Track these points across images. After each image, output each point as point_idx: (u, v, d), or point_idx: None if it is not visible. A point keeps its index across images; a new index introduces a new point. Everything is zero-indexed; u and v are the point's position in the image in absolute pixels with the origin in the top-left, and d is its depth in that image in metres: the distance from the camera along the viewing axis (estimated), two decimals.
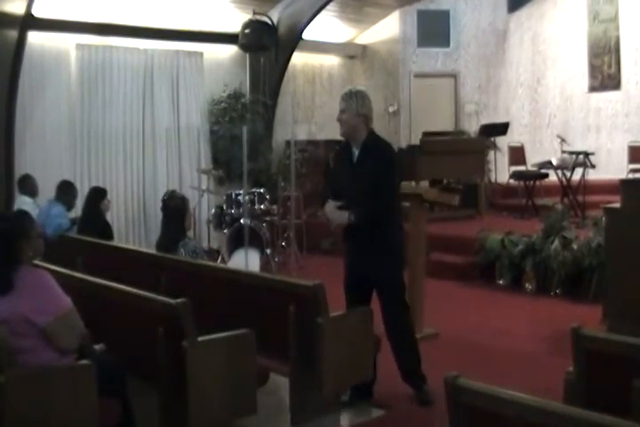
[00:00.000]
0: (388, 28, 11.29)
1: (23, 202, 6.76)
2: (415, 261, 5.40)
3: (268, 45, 9.69)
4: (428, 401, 4.05)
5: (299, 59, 10.69)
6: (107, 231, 6.20)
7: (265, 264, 7.67)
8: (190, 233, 5.73)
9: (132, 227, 8.96)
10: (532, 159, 10.11)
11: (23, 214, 3.13)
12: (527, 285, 6.83)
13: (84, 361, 2.81)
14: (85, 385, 2.72)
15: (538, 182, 9.37)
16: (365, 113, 4.05)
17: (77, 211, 6.64)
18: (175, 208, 4.84)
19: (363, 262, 4.14)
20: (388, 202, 4.09)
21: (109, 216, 6.96)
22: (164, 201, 5.01)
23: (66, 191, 6.50)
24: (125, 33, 8.79)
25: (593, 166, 8.56)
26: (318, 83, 11.33)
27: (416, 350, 4.26)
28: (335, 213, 4.07)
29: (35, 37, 7.97)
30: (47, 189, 6.91)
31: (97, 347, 3.21)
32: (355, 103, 4.03)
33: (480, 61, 11.49)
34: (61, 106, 8.42)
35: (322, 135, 11.08)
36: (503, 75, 11.71)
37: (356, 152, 4.13)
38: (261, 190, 8.46)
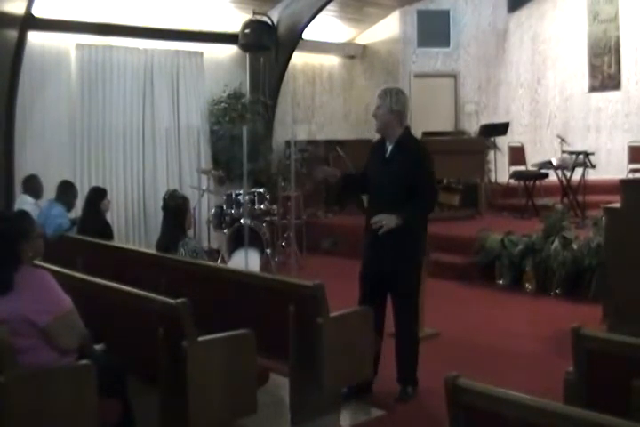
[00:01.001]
0: (388, 28, 11.29)
1: (24, 202, 6.76)
2: None
3: (268, 45, 9.69)
4: (405, 400, 4.14)
5: (299, 59, 10.69)
6: (107, 231, 6.20)
7: (265, 264, 7.67)
8: (190, 233, 5.72)
9: (132, 227, 8.95)
10: (532, 159, 10.11)
11: (23, 215, 3.13)
12: (527, 285, 6.83)
13: (84, 361, 2.81)
14: (85, 385, 2.73)
15: (538, 182, 9.37)
16: (399, 109, 4.14)
17: (77, 211, 6.64)
18: (176, 208, 4.84)
19: (381, 259, 4.19)
20: (432, 200, 4.26)
21: (109, 216, 6.97)
22: (164, 200, 5.01)
23: (66, 191, 6.50)
24: (125, 33, 8.79)
25: (593, 166, 8.56)
26: (318, 83, 11.33)
27: (415, 358, 4.29)
28: (383, 216, 4.06)
29: (35, 37, 7.97)
30: (47, 189, 6.91)
31: (97, 347, 3.21)
32: (389, 100, 4.12)
33: (480, 61, 11.49)
34: (61, 106, 8.42)
35: (322, 135, 11.09)
36: (503, 75, 11.71)
37: (389, 148, 4.21)
38: (261, 190, 8.46)
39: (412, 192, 4.07)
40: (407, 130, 4.24)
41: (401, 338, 4.24)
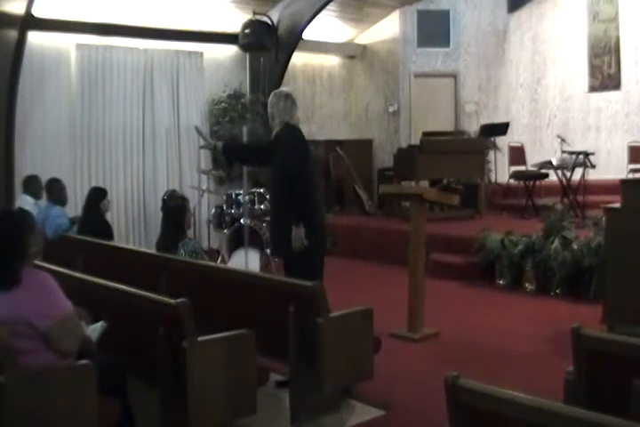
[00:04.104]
0: (388, 28, 11.30)
1: (25, 202, 6.76)
2: (415, 261, 5.41)
3: (268, 45, 9.69)
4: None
5: (299, 59, 10.69)
6: (107, 231, 6.20)
7: (265, 264, 7.67)
8: (190, 233, 5.72)
9: (132, 227, 8.96)
10: (532, 159, 10.11)
11: (24, 210, 3.14)
12: (527, 285, 6.83)
13: (84, 361, 2.81)
14: (85, 385, 2.72)
15: (538, 182, 9.36)
16: (270, 111, 4.67)
17: (77, 210, 6.64)
18: (175, 208, 4.85)
19: (276, 249, 4.62)
20: (298, 191, 4.41)
21: (109, 216, 6.97)
22: (163, 201, 5.02)
23: (52, 189, 6.51)
24: (125, 33, 8.79)
25: (593, 166, 8.56)
26: (318, 83, 11.33)
27: None
28: (294, 241, 4.41)
29: (35, 37, 7.98)
30: None
31: (98, 325, 3.20)
32: (269, 104, 4.69)
33: (480, 61, 11.49)
34: (61, 106, 8.43)
35: (322, 135, 11.09)
36: (503, 75, 11.71)
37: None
38: (261, 190, 8.46)
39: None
40: (285, 126, 4.60)
41: None
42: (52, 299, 2.85)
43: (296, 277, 4.09)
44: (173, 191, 5.37)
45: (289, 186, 4.40)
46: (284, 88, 5.11)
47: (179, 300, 3.07)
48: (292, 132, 4.62)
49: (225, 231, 8.16)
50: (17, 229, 2.87)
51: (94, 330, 3.16)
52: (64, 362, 2.87)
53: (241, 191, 7.85)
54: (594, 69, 11.01)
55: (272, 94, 4.71)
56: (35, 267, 3.04)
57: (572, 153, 8.76)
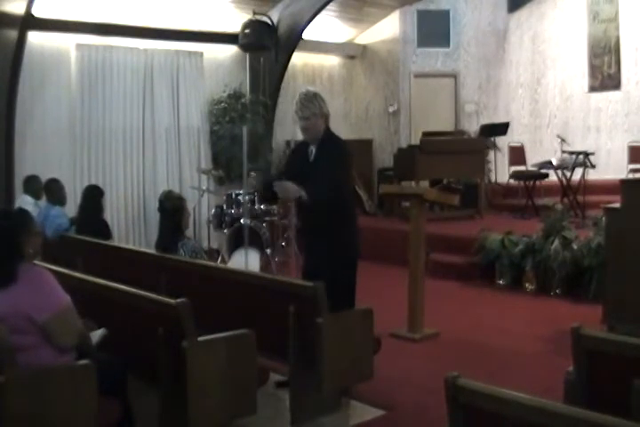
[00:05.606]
0: (388, 28, 11.29)
1: (25, 201, 6.75)
2: (415, 261, 5.41)
3: (268, 45, 9.68)
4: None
5: (299, 59, 10.69)
6: (105, 230, 6.19)
7: (265, 264, 7.67)
8: (190, 233, 5.71)
9: (132, 227, 8.95)
10: (532, 159, 10.11)
11: (23, 211, 3.15)
12: (527, 285, 6.83)
13: (84, 361, 2.81)
14: (85, 385, 2.72)
15: (538, 182, 9.37)
16: (327, 111, 4.13)
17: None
18: (172, 208, 4.82)
19: (313, 259, 4.24)
20: (337, 187, 4.05)
21: (109, 216, 6.97)
22: (160, 202, 4.99)
23: (51, 189, 6.50)
24: (125, 33, 8.79)
25: (593, 166, 8.56)
26: (318, 83, 11.32)
27: None
28: (290, 186, 4.01)
29: (35, 37, 7.97)
30: None
31: (99, 332, 3.20)
32: (318, 105, 4.08)
33: (480, 61, 11.49)
34: (61, 106, 8.42)
35: None
36: (503, 75, 11.71)
37: (313, 150, 4.18)
38: None
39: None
40: (328, 130, 4.18)
41: None
42: (49, 293, 2.87)
43: (342, 294, 4.00)
44: (169, 192, 5.34)
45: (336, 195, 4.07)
46: (309, 87, 4.49)
47: (179, 300, 3.07)
48: (340, 142, 4.22)
49: (225, 231, 8.16)
50: (14, 230, 2.88)
51: (93, 336, 3.17)
52: (63, 359, 2.88)
53: (241, 191, 7.85)
54: (594, 69, 11.01)
55: (316, 93, 4.15)
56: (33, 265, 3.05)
57: (572, 153, 8.76)
